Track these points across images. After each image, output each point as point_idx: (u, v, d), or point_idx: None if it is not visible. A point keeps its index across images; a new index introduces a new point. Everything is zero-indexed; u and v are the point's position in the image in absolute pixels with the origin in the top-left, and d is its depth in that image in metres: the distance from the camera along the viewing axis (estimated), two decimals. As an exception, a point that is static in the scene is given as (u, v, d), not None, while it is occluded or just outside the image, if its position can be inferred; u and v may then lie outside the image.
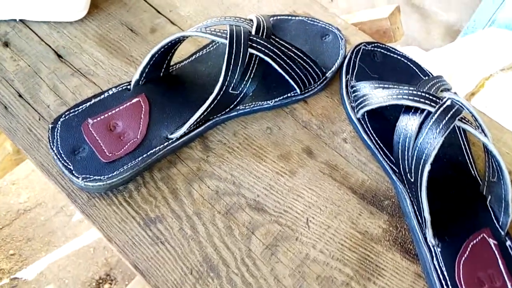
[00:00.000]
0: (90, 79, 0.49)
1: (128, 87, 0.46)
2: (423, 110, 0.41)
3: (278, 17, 0.54)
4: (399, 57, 0.53)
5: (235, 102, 0.44)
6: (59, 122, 0.42)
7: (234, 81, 0.42)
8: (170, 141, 0.43)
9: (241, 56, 0.42)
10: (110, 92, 0.45)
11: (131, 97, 0.45)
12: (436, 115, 0.40)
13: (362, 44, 0.52)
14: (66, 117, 0.42)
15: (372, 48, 0.53)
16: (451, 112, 0.40)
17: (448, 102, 0.40)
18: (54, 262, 1.34)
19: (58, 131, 0.42)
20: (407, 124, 0.42)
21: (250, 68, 0.43)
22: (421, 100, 0.41)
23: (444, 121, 0.39)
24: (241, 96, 0.44)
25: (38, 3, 0.50)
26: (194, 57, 0.50)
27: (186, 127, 0.42)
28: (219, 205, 0.43)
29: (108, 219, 0.41)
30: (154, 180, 0.44)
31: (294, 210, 0.44)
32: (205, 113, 0.42)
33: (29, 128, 0.45)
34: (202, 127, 0.45)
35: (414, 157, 0.40)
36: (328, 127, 0.49)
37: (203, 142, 0.47)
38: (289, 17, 0.54)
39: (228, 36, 0.42)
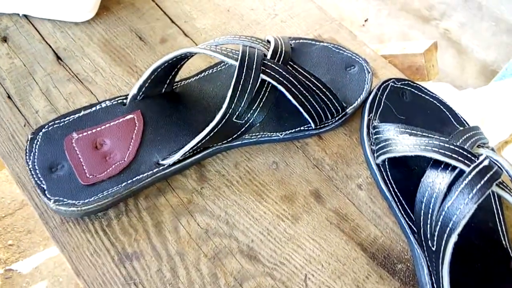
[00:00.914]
0: (87, 86, 0.45)
1: (124, 101, 0.41)
2: (454, 167, 0.35)
3: (301, 41, 0.49)
4: (431, 99, 0.47)
5: (239, 132, 0.39)
6: (41, 133, 0.38)
7: (239, 109, 0.37)
8: (160, 168, 0.38)
9: (251, 81, 0.37)
10: (103, 105, 0.40)
11: (125, 113, 0.40)
12: (470, 177, 0.34)
13: (391, 80, 0.47)
14: (49, 128, 0.38)
15: (401, 86, 0.47)
16: (488, 175, 0.34)
17: (486, 162, 0.34)
18: (50, 258, 1.30)
19: (38, 142, 0.37)
20: (434, 181, 0.36)
21: (260, 96, 0.38)
22: (454, 155, 0.36)
23: (479, 185, 0.33)
24: (246, 126, 0.39)
25: (44, -1, 0.47)
26: (203, 74, 0.45)
27: (180, 155, 0.38)
28: (207, 246, 0.38)
29: (80, 249, 0.37)
30: (138, 208, 0.39)
31: (292, 264, 0.38)
32: (203, 141, 0.37)
33: (12, 134, 0.41)
34: (200, 155, 0.40)
35: (439, 223, 0.34)
36: (343, 169, 0.43)
37: (199, 170, 0.42)
38: (313, 42, 0.49)
39: (239, 58, 0.37)
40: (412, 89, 0.47)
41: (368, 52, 0.53)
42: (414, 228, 0.39)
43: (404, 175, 0.42)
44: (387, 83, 0.47)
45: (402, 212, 0.40)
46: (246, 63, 0.37)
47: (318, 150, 0.44)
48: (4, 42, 0.47)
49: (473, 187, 0.33)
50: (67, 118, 0.39)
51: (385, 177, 0.42)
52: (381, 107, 0.45)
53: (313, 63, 0.48)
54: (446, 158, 0.36)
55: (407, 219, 0.40)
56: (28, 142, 0.37)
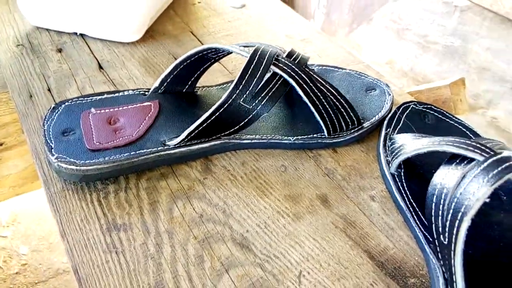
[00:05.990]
0: (118, 89, 0.49)
1: (146, 92, 0.44)
2: (471, 160, 0.32)
3: (323, 67, 0.51)
4: (455, 124, 0.45)
5: (246, 120, 0.39)
6: (63, 105, 0.40)
7: (247, 92, 0.38)
8: (165, 147, 0.39)
9: (260, 69, 0.38)
10: (126, 93, 0.43)
11: (144, 101, 0.42)
12: (486, 163, 0.30)
13: (412, 103, 0.46)
14: (72, 103, 0.41)
15: (423, 109, 0.46)
16: (507, 164, 0.30)
17: (505, 154, 0.31)
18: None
19: (58, 112, 0.40)
20: (447, 174, 0.33)
21: (270, 87, 0.39)
22: (469, 148, 0.33)
23: (496, 170, 0.30)
24: (253, 113, 0.39)
25: (98, 22, 0.54)
26: (224, 86, 0.48)
27: (185, 134, 0.38)
28: (199, 230, 0.36)
29: (72, 214, 0.36)
30: (138, 187, 0.39)
31: (287, 259, 0.34)
32: (209, 122, 0.38)
33: (42, 116, 0.45)
34: (207, 144, 0.40)
35: (451, 211, 0.30)
36: (355, 180, 0.41)
37: (205, 163, 0.41)
38: (335, 69, 0.51)
39: (252, 51, 0.39)
40: (435, 113, 0.46)
41: (393, 88, 0.53)
42: (430, 237, 0.34)
43: (421, 186, 0.39)
44: (408, 105, 0.46)
45: (418, 222, 0.36)
46: (258, 54, 0.39)
47: (331, 162, 0.43)
48: (59, 52, 0.54)
49: (489, 172, 0.30)
50: (90, 98, 0.42)
51: (401, 188, 0.39)
52: (400, 124, 0.44)
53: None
54: (461, 150, 0.33)
55: (422, 229, 0.35)
56: (50, 110, 0.40)
